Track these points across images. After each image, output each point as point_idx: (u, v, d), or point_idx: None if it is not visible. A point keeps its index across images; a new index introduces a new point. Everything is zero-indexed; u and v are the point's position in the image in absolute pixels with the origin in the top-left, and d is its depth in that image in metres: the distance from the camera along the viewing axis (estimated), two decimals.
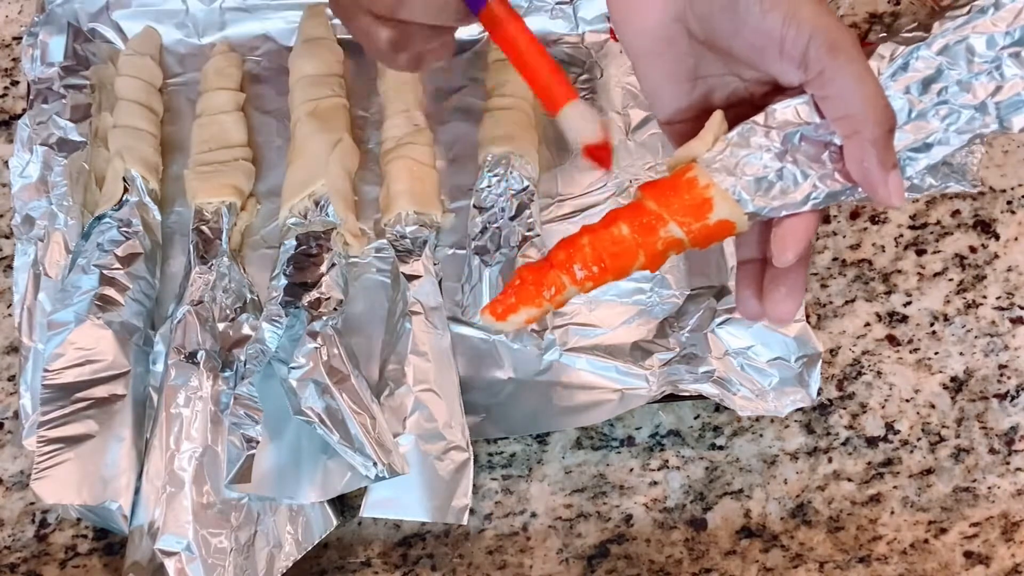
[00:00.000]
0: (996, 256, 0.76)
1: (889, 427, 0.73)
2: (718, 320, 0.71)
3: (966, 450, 0.72)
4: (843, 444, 0.72)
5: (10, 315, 0.75)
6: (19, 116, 0.80)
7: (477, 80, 0.80)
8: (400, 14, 0.53)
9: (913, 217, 0.77)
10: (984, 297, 0.75)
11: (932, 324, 0.75)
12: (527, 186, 0.74)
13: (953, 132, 0.54)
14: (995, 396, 0.73)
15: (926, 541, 0.70)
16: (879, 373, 0.74)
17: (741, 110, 0.51)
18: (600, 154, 0.53)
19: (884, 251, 0.77)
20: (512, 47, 0.53)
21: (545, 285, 0.49)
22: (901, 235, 0.77)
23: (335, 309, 0.70)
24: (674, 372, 0.70)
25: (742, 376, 0.70)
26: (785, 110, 0.49)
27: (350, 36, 0.80)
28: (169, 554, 0.65)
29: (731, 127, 0.50)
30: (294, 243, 0.72)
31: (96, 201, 0.74)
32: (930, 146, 0.54)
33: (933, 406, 0.73)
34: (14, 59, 0.82)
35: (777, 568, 0.69)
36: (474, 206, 0.74)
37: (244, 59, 0.81)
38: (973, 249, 0.77)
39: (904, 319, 0.75)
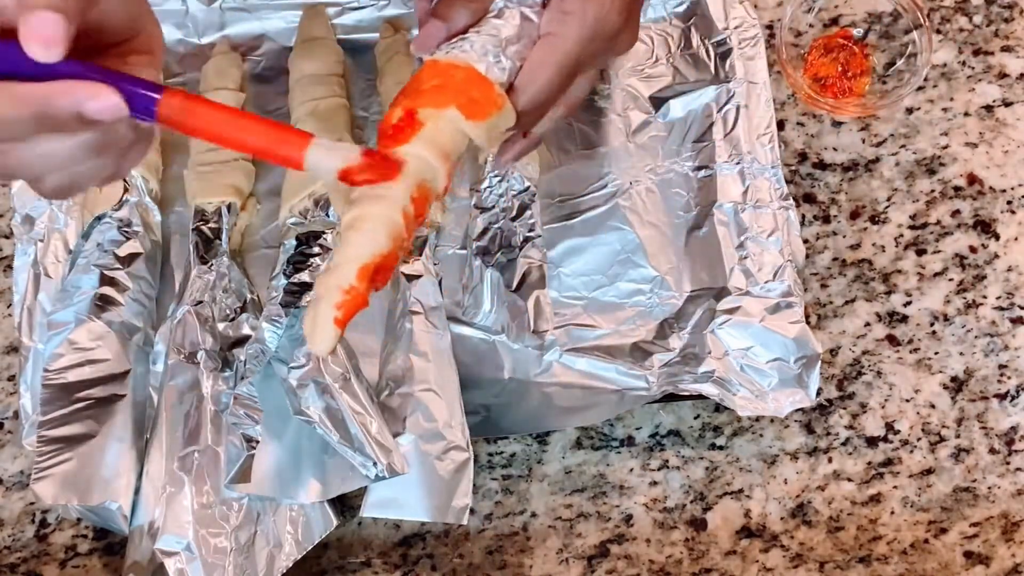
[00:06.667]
0: (996, 256, 0.76)
1: (889, 427, 0.73)
2: (718, 321, 0.71)
3: (966, 450, 0.72)
4: (843, 444, 0.72)
5: (10, 315, 0.75)
6: None
7: None
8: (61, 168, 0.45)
9: (913, 217, 0.77)
10: (984, 297, 0.75)
11: (932, 324, 0.75)
12: (528, 187, 0.74)
13: None
14: (995, 396, 0.73)
15: (926, 541, 0.70)
16: (879, 373, 0.74)
17: None
18: (361, 174, 0.48)
19: (884, 251, 0.77)
20: (211, 133, 0.46)
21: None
22: (901, 235, 0.77)
23: None
24: (674, 372, 0.70)
25: (742, 376, 0.70)
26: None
27: (350, 36, 0.81)
28: (169, 554, 0.65)
29: None
30: (294, 243, 0.72)
31: (96, 201, 0.74)
32: None
33: (933, 406, 0.73)
34: None
35: (777, 568, 0.69)
36: (475, 206, 0.74)
37: (244, 59, 0.81)
38: (973, 249, 0.77)
39: (904, 319, 0.75)
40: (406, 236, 0.49)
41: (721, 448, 0.72)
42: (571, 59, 0.56)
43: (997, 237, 0.77)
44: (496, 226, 0.73)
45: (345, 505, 0.69)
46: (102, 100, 0.43)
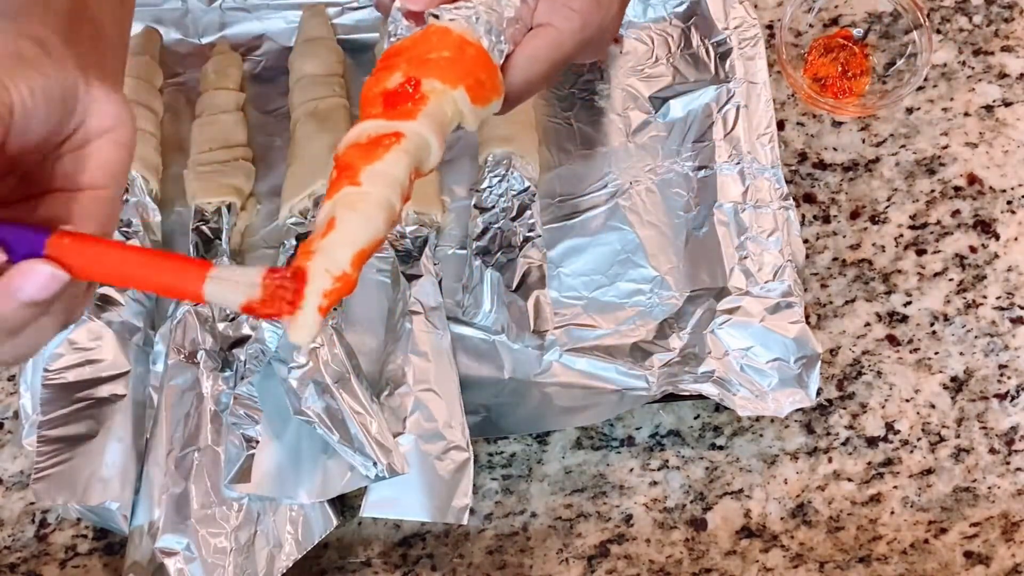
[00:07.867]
0: (996, 256, 0.76)
1: (889, 427, 0.73)
2: (718, 321, 0.71)
3: (966, 450, 0.72)
4: (843, 444, 0.72)
5: None
6: None
7: None
8: None
9: (913, 217, 0.77)
10: (984, 297, 0.75)
11: (932, 324, 0.75)
12: (528, 187, 0.74)
13: None
14: (995, 396, 0.73)
15: (926, 541, 0.70)
16: (879, 373, 0.74)
17: None
18: (266, 308, 0.42)
19: (884, 251, 0.77)
20: (105, 272, 0.41)
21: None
22: (901, 235, 0.77)
23: (335, 309, 0.70)
24: (674, 372, 0.70)
25: (742, 377, 0.70)
26: None
27: (350, 36, 0.81)
28: (169, 554, 0.65)
29: None
30: (294, 243, 0.72)
31: None
32: None
33: (933, 406, 0.73)
34: None
35: (777, 568, 0.69)
36: (475, 206, 0.74)
37: (244, 59, 0.81)
38: (973, 249, 0.77)
39: (904, 319, 0.75)
40: (397, 217, 0.46)
41: (721, 448, 0.72)
42: (567, 57, 0.54)
43: (997, 237, 0.77)
44: (496, 226, 0.73)
45: (345, 505, 0.69)
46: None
